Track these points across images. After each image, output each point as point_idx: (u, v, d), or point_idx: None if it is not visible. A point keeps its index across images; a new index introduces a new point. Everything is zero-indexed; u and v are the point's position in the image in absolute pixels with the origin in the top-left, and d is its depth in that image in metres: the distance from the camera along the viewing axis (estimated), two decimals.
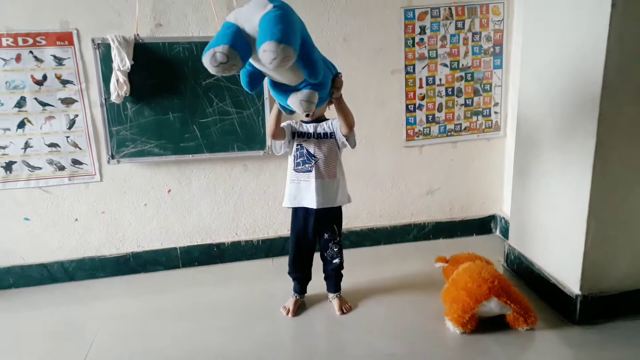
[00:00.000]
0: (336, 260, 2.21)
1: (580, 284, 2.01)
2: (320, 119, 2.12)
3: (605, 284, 2.03)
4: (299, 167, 2.09)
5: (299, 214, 2.16)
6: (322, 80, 1.74)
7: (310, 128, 2.10)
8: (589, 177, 1.91)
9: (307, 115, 2.05)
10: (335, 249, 2.20)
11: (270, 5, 1.50)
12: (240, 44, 1.51)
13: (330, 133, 2.09)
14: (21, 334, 2.21)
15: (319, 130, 2.09)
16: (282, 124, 2.07)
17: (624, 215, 1.99)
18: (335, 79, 1.89)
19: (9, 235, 2.58)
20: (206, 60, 1.51)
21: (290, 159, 2.13)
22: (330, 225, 2.18)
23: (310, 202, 2.08)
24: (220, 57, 1.48)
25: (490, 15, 2.75)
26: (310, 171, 2.07)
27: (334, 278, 2.25)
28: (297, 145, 2.10)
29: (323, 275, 2.28)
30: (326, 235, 2.18)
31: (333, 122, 2.10)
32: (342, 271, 2.26)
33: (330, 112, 2.10)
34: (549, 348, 1.92)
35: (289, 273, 2.26)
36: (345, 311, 2.21)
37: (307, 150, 2.08)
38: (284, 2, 1.56)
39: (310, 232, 2.17)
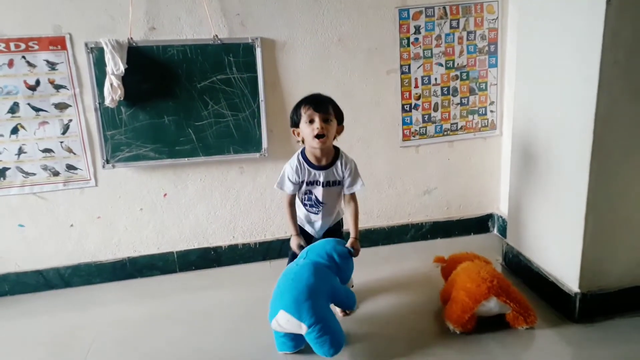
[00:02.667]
0: None
1: (579, 282, 2.01)
2: (330, 162, 2.06)
3: (604, 282, 2.03)
4: (307, 208, 2.14)
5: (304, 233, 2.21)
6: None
7: (320, 177, 2.06)
8: (587, 175, 1.91)
9: (317, 140, 1.97)
10: None
11: (304, 327, 1.78)
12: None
13: (339, 182, 2.09)
14: (18, 341, 2.19)
15: (330, 178, 2.07)
16: (288, 185, 2.08)
17: (622, 212, 1.99)
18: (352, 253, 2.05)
19: (4, 242, 2.56)
20: None
21: (298, 194, 2.14)
22: (335, 231, 2.22)
23: (312, 231, 2.19)
24: None
25: (484, 13, 2.75)
26: (318, 214, 2.13)
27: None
28: (306, 190, 2.09)
29: None
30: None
31: (345, 171, 2.06)
32: None
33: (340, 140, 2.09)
34: (549, 346, 1.92)
35: None
36: (347, 313, 2.20)
37: (315, 197, 2.09)
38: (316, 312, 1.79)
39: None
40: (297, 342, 1.90)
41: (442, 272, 2.35)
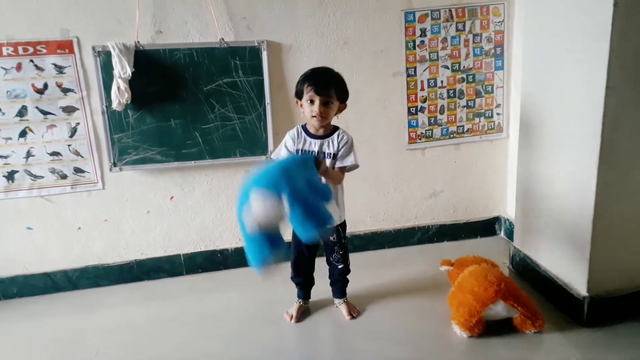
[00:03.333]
0: (341, 265, 2.20)
1: (588, 286, 2.00)
2: (327, 133, 2.05)
3: (613, 286, 2.02)
4: None
5: None
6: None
7: (315, 146, 2.04)
8: (595, 178, 1.90)
9: (315, 118, 1.97)
10: (341, 252, 2.18)
11: (284, 197, 1.57)
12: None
13: (335, 154, 2.04)
14: (25, 343, 2.20)
15: (324, 149, 2.04)
16: (284, 149, 2.06)
17: (630, 216, 1.98)
18: (318, 165, 1.88)
19: (12, 245, 2.57)
20: None
21: None
22: (335, 229, 2.16)
23: None
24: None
25: (490, 16, 2.75)
26: None
27: (340, 283, 2.23)
28: None
29: (329, 280, 2.27)
30: (331, 238, 2.17)
31: (340, 142, 2.03)
32: (348, 276, 2.25)
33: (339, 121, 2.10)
34: (557, 350, 1.91)
35: (292, 278, 2.25)
36: (354, 316, 2.20)
37: None
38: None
39: (314, 247, 2.17)
40: (273, 243, 1.67)
41: (449, 275, 2.34)
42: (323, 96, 1.95)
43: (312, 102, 1.96)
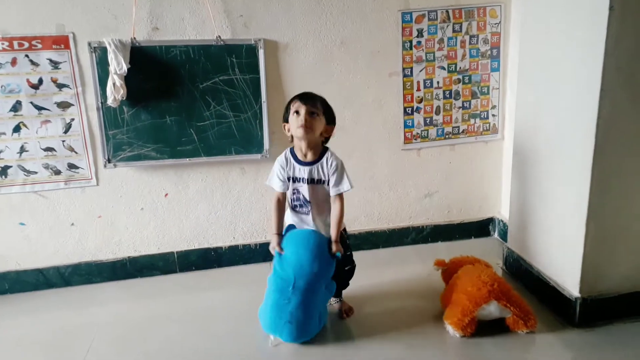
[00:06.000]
0: (348, 267, 2.20)
1: (580, 287, 2.01)
2: (316, 159, 2.04)
3: (605, 287, 2.03)
4: (297, 209, 2.10)
5: None
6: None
7: (304, 173, 2.03)
8: (588, 180, 1.91)
9: (301, 129, 1.96)
10: (347, 254, 2.18)
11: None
12: None
13: (324, 181, 2.04)
14: (17, 340, 2.19)
15: (314, 176, 2.04)
16: (276, 181, 2.08)
17: (623, 217, 1.98)
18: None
19: (5, 240, 2.56)
20: None
21: (288, 194, 2.12)
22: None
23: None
24: None
25: (487, 17, 2.76)
26: (308, 214, 2.09)
27: (339, 284, 2.21)
28: (294, 189, 2.07)
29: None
30: (345, 268, 2.18)
31: (330, 170, 2.02)
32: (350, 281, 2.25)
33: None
34: (549, 351, 1.91)
35: None
36: (348, 315, 2.20)
37: (303, 195, 2.07)
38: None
39: None
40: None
41: (442, 275, 2.35)
42: (309, 105, 1.96)
43: (297, 113, 1.96)
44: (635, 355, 1.84)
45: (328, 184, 2.04)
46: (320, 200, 2.07)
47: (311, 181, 2.04)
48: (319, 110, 1.98)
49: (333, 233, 2.03)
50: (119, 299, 2.52)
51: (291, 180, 2.06)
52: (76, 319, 2.33)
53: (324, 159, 2.03)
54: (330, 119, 2.05)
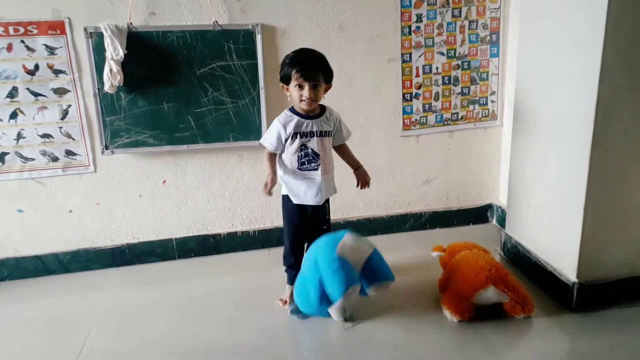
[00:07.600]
0: (325, 226, 2.24)
1: (577, 272, 2.02)
2: (318, 113, 2.08)
3: (602, 272, 2.03)
4: (304, 166, 2.08)
5: (299, 207, 2.15)
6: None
7: (314, 127, 2.06)
8: (586, 166, 1.91)
9: (305, 102, 1.98)
10: (324, 228, 2.22)
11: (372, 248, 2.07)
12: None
13: (331, 132, 2.11)
14: (16, 326, 2.20)
15: (323, 128, 2.07)
16: (271, 139, 2.06)
17: (621, 203, 1.99)
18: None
19: (3, 227, 2.56)
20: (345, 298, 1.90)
21: (287, 157, 2.08)
22: (324, 217, 2.21)
23: (312, 199, 2.11)
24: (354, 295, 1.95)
25: (487, 3, 2.73)
26: (317, 169, 2.08)
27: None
28: (301, 145, 2.06)
29: None
30: (324, 227, 2.20)
31: (337, 121, 2.12)
32: None
33: (326, 100, 2.10)
34: (546, 335, 1.92)
35: (287, 263, 2.25)
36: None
37: (311, 149, 2.06)
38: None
39: (307, 223, 2.17)
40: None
41: (440, 261, 2.35)
42: (312, 81, 1.96)
43: (300, 87, 1.97)
44: (632, 340, 1.86)
45: (333, 136, 2.14)
46: (327, 154, 2.11)
47: (320, 134, 2.07)
48: (320, 81, 1.99)
49: (355, 162, 2.25)
50: (117, 285, 2.53)
51: (298, 136, 2.04)
52: (75, 306, 2.34)
53: (327, 112, 2.11)
54: (329, 78, 2.06)
